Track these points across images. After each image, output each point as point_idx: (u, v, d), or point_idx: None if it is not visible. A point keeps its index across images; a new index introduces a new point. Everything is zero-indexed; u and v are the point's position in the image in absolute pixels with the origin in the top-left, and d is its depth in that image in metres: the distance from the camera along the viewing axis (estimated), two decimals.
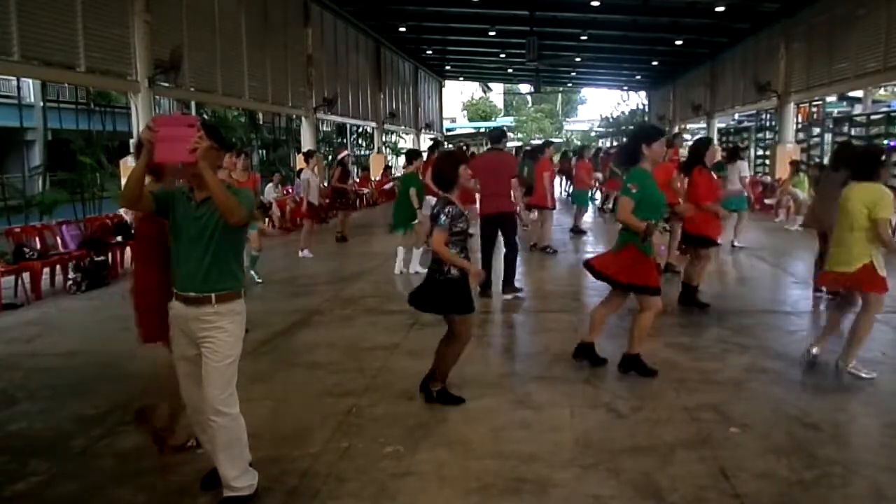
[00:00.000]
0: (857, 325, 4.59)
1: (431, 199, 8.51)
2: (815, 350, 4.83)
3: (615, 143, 33.52)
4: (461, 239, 4.01)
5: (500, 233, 7.21)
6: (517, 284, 7.36)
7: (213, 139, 2.85)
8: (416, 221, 8.51)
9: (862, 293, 4.58)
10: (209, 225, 2.87)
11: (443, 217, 3.92)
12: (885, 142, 15.11)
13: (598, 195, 18.08)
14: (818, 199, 7.07)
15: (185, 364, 3.02)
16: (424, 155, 10.34)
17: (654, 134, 4.68)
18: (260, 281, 8.12)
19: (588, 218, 14.28)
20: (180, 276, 2.93)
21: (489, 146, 8.04)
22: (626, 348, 4.74)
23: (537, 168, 10.25)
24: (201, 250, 2.87)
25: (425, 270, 8.77)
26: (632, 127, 40.29)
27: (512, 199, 7.21)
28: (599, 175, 16.22)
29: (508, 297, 7.13)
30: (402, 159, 28.20)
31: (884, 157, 4.66)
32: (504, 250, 7.26)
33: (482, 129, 44.60)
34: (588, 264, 4.83)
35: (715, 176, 6.80)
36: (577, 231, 12.11)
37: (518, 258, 7.49)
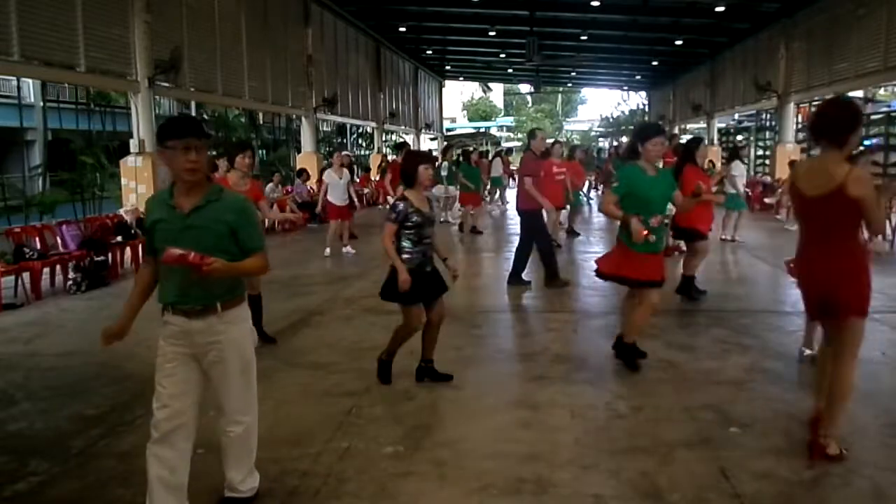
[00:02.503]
0: None
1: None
2: (808, 352, 4.85)
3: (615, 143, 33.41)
4: (414, 232, 4.23)
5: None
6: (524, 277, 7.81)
7: (197, 135, 2.65)
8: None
9: None
10: (206, 236, 2.66)
11: (392, 214, 4.22)
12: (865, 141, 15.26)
13: (593, 194, 18.13)
14: None
15: (180, 383, 2.76)
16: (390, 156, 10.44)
17: (650, 132, 4.64)
18: None
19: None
20: (174, 288, 2.70)
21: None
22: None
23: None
24: None
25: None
26: (632, 127, 40.52)
27: (527, 196, 7.42)
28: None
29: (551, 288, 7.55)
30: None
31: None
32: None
33: (482, 129, 44.71)
34: (598, 271, 4.87)
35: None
36: (569, 232, 12.08)
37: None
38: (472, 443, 3.66)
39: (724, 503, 3.02)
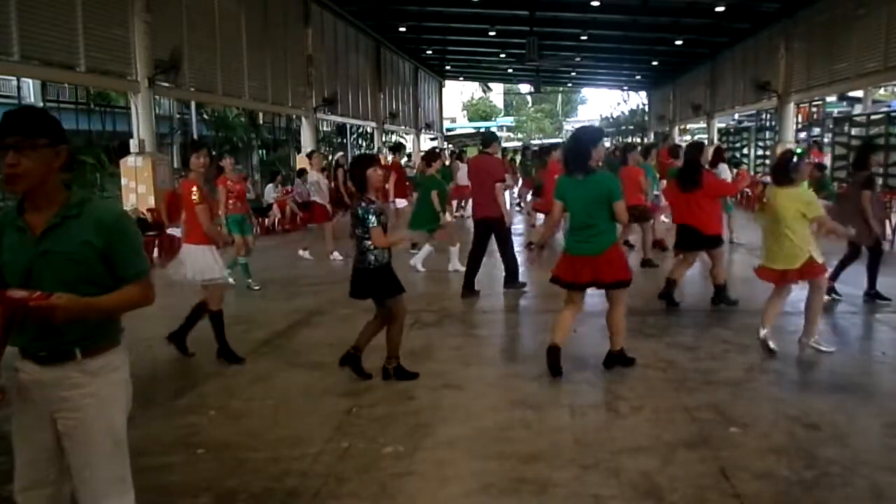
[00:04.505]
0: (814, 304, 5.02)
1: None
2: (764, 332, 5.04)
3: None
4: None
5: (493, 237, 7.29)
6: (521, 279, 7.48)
7: (22, 132, 1.97)
8: (441, 223, 8.52)
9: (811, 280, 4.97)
10: (63, 265, 2.00)
11: (372, 218, 4.34)
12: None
13: None
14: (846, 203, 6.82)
15: (37, 449, 2.09)
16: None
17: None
18: (258, 287, 7.54)
19: None
20: (24, 327, 2.00)
21: (481, 150, 8.05)
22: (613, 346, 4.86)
23: (546, 171, 10.36)
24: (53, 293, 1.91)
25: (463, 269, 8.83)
26: (631, 126, 40.51)
27: (499, 203, 7.08)
28: None
29: (509, 290, 7.34)
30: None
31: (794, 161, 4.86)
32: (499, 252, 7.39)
33: (482, 130, 44.71)
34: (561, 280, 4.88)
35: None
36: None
37: (516, 258, 7.51)
38: (472, 443, 3.66)
39: (724, 503, 3.02)
